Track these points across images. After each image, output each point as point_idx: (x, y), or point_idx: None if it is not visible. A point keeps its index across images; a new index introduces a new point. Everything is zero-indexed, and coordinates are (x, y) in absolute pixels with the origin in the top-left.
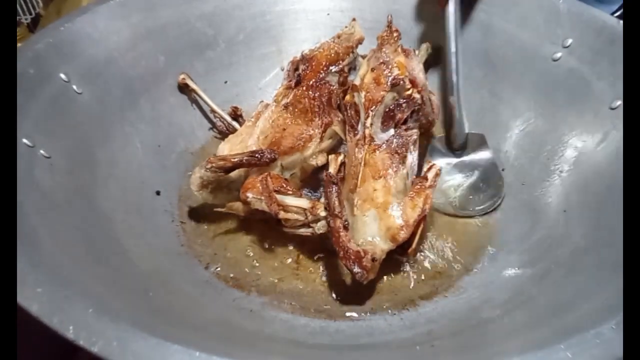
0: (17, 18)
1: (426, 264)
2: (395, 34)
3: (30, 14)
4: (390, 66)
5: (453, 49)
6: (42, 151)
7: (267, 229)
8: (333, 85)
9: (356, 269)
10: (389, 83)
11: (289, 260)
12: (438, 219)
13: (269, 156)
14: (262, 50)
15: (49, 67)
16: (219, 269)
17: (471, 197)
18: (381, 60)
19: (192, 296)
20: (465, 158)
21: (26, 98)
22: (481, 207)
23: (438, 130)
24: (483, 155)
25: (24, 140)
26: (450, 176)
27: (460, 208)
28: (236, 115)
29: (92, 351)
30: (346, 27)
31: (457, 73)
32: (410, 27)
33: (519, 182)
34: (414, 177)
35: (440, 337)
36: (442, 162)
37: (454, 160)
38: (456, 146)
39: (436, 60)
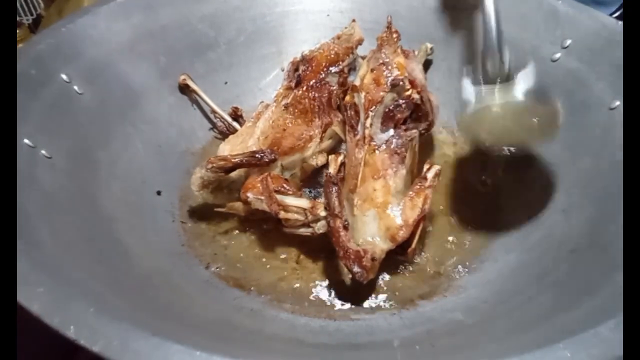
0: (19, 19)
1: (426, 263)
2: (394, 35)
3: (32, 14)
4: (389, 67)
5: None
6: (43, 151)
7: (267, 228)
8: (333, 86)
9: (356, 269)
10: (388, 84)
11: (289, 260)
12: (438, 219)
13: (269, 156)
14: (262, 51)
15: (51, 68)
16: (219, 268)
17: (517, 126)
18: (381, 61)
19: (192, 296)
20: (507, 84)
21: (28, 99)
22: (543, 133)
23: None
24: (527, 78)
25: (26, 141)
26: (490, 102)
27: (502, 139)
28: (236, 116)
29: (93, 350)
30: (346, 28)
31: None
32: (410, 28)
33: (518, 182)
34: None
35: (439, 336)
36: (479, 88)
37: (494, 86)
38: (492, 75)
39: (435, 60)
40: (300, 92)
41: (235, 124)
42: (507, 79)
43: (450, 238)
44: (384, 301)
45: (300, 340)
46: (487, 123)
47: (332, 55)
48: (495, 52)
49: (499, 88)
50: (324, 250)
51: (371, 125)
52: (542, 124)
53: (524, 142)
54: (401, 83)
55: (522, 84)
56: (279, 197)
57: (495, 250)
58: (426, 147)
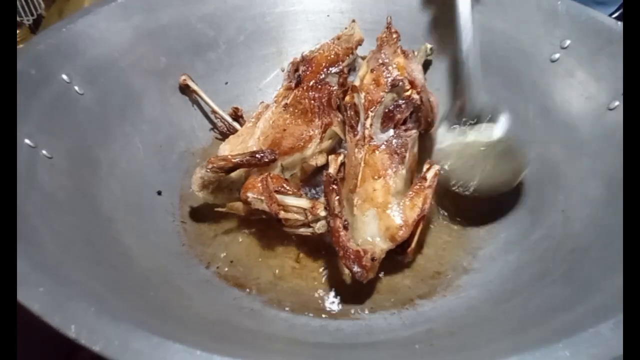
0: (19, 19)
1: (425, 263)
2: (394, 35)
3: (32, 15)
4: (389, 67)
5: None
6: (44, 151)
7: (268, 228)
8: (333, 86)
9: (356, 269)
10: (388, 84)
11: (289, 259)
12: (438, 219)
13: (269, 156)
14: (262, 51)
15: (51, 68)
16: (219, 268)
17: (492, 174)
18: (380, 62)
19: (192, 295)
20: (481, 130)
21: (28, 99)
22: (503, 183)
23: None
24: (500, 126)
25: (26, 141)
26: (465, 152)
27: (481, 188)
28: (237, 116)
29: (93, 350)
30: (346, 28)
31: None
32: (410, 28)
33: (519, 183)
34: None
35: (439, 336)
36: (453, 136)
37: (469, 132)
38: (470, 116)
39: (435, 60)
40: (300, 92)
41: (235, 124)
42: (479, 120)
43: (450, 238)
44: (384, 301)
45: (300, 339)
46: (453, 158)
47: (332, 56)
48: (473, 93)
49: (472, 128)
50: (323, 250)
51: (371, 125)
52: (504, 171)
53: (483, 183)
54: (401, 83)
55: (496, 128)
56: (279, 197)
57: (495, 250)
58: (426, 147)
